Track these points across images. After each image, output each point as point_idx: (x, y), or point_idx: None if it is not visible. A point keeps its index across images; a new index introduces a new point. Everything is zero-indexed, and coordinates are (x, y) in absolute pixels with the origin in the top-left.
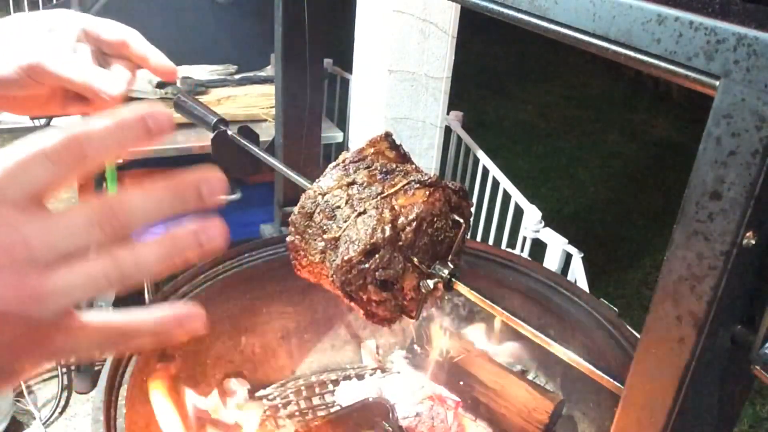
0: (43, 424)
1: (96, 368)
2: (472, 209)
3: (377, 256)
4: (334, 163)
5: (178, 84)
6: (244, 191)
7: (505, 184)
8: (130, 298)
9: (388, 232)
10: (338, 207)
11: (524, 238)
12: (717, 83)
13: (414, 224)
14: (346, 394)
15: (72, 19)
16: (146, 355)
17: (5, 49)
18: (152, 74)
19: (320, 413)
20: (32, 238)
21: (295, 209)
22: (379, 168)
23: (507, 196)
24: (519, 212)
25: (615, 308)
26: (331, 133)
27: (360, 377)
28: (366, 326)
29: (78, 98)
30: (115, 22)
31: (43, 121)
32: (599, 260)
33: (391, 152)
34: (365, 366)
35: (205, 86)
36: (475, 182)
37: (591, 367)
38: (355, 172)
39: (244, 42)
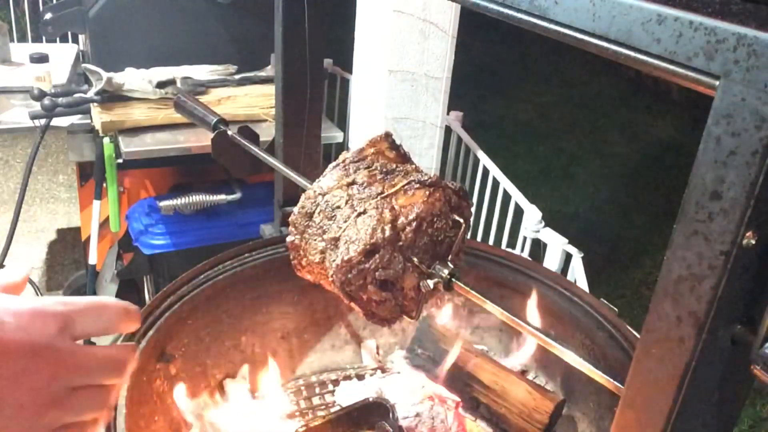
0: None
1: None
2: (472, 209)
3: (377, 256)
4: (334, 163)
5: (178, 84)
6: (244, 191)
7: (505, 184)
8: (130, 298)
9: (388, 232)
10: (338, 207)
11: (524, 238)
12: (717, 83)
13: (414, 224)
14: (346, 394)
15: None
16: (146, 354)
17: None
18: (152, 74)
19: (320, 413)
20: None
21: (295, 209)
22: (379, 168)
23: (507, 196)
24: (519, 212)
25: (615, 308)
26: (331, 133)
27: (360, 377)
28: (366, 326)
29: None
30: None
31: (43, 122)
32: (599, 260)
33: (391, 152)
34: (365, 366)
35: (205, 86)
36: (475, 182)
37: (591, 367)
38: (355, 172)
39: (244, 42)
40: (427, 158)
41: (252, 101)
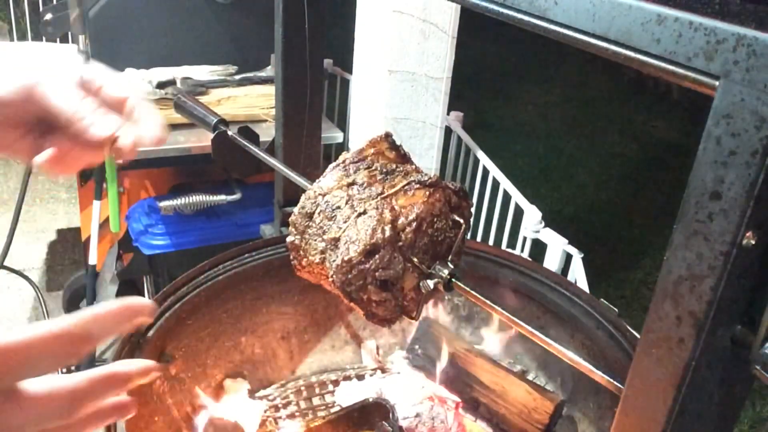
0: None
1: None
2: (472, 209)
3: (377, 256)
4: (334, 164)
5: (178, 84)
6: (244, 191)
7: (505, 184)
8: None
9: (388, 233)
10: (338, 207)
11: (524, 238)
12: (717, 83)
13: (414, 224)
14: (346, 394)
15: (74, 62)
16: (146, 355)
17: (7, 69)
18: (152, 74)
19: (320, 413)
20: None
21: (295, 209)
22: (379, 168)
23: (507, 196)
24: (519, 212)
25: (615, 308)
26: (331, 133)
27: (360, 377)
28: (366, 326)
29: (56, 136)
30: (118, 75)
31: None
32: (599, 260)
33: (391, 152)
34: (365, 366)
35: (205, 86)
36: (475, 182)
37: (591, 367)
38: (355, 172)
39: (244, 42)
40: (427, 158)
41: (252, 101)
